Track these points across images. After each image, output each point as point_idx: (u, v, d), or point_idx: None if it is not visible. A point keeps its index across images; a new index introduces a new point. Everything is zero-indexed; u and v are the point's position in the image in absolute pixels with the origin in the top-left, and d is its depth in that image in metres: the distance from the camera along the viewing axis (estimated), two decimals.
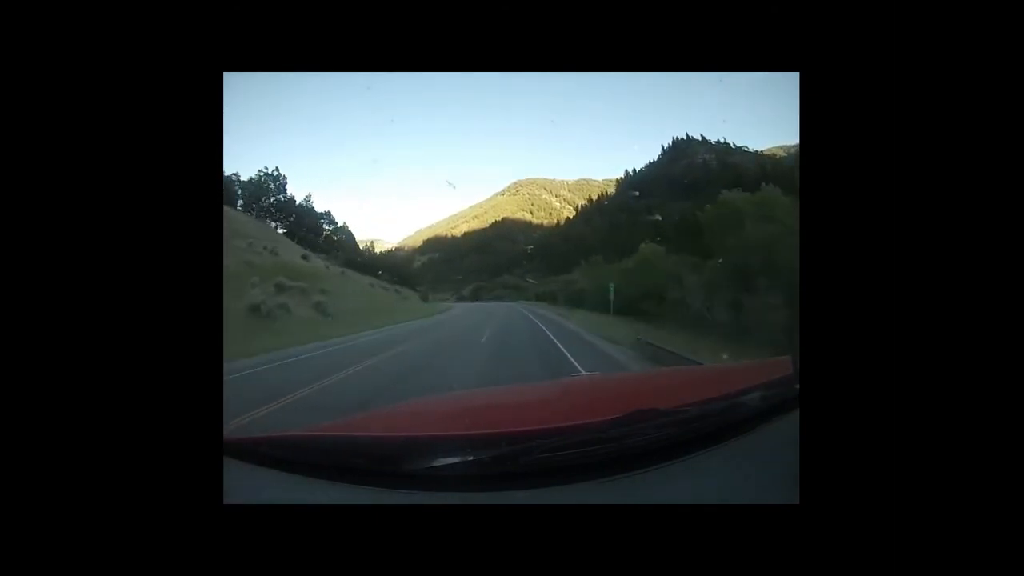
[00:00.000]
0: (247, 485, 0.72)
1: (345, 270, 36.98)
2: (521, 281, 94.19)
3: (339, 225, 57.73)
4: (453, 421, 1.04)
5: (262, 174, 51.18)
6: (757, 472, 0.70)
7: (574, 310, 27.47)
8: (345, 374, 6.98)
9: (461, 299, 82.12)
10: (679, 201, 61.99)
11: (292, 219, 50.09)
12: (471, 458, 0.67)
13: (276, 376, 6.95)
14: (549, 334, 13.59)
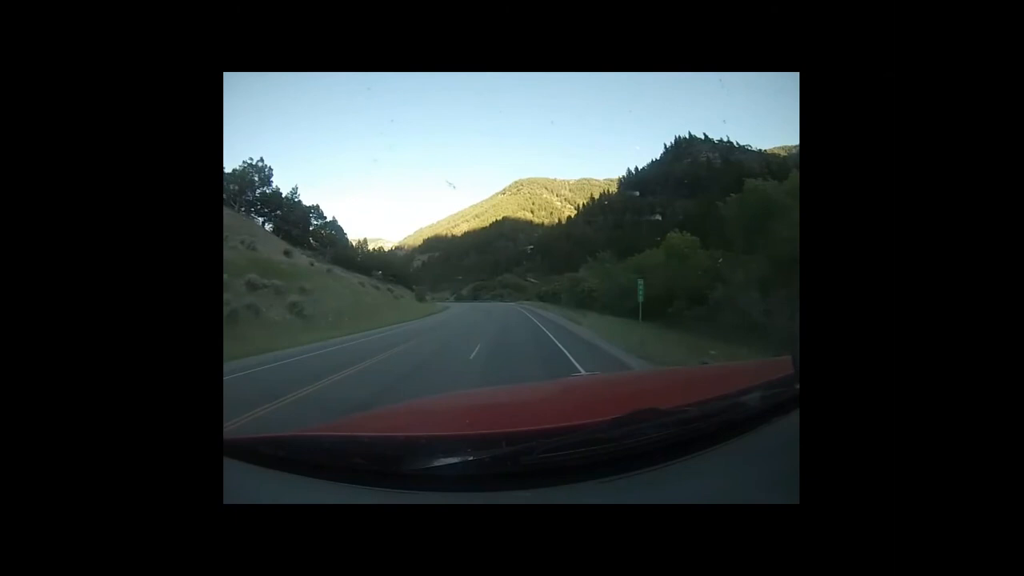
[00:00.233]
0: (247, 485, 0.72)
1: (332, 268, 35.21)
2: (521, 280, 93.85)
3: (327, 220, 55.28)
4: (453, 421, 1.03)
5: (246, 165, 47.36)
6: (757, 472, 0.70)
7: (584, 312, 23.43)
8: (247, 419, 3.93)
9: (460, 299, 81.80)
10: (683, 199, 61.79)
11: (278, 213, 46.59)
12: (471, 458, 0.67)
13: None
14: (570, 357, 8.09)
